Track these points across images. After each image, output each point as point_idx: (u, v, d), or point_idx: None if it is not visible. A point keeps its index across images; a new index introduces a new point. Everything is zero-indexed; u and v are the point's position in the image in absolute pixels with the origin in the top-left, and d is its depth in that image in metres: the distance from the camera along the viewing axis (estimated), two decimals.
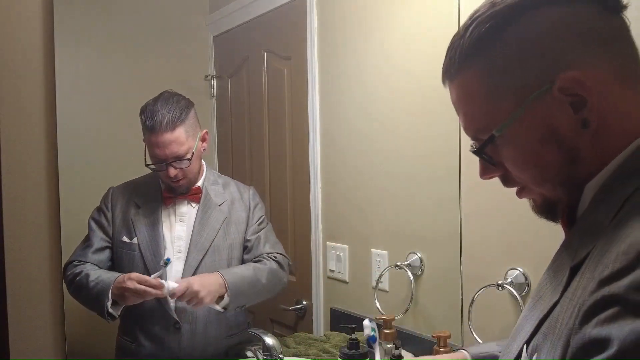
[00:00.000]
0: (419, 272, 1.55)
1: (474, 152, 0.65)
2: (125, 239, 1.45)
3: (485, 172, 0.67)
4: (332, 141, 1.80)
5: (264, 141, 2.01)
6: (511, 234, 1.32)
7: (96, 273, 1.41)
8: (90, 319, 1.56)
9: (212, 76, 1.99)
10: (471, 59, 0.62)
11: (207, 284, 1.38)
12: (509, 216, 1.31)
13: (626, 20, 0.61)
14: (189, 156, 1.43)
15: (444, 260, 1.51)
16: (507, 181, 0.67)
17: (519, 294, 1.29)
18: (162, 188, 1.50)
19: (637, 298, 0.45)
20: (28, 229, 1.42)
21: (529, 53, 0.59)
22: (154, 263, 1.43)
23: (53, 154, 1.43)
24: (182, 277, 1.44)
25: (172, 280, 1.39)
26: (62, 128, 1.44)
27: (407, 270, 1.55)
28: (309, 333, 1.71)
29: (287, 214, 1.90)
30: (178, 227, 1.49)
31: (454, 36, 0.65)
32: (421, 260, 1.55)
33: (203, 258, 1.47)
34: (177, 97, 1.46)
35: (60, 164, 1.43)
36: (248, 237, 1.56)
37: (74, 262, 1.44)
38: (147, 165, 1.43)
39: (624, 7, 0.60)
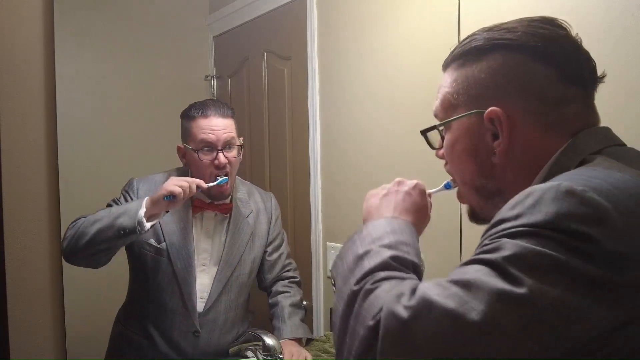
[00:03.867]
0: None
1: (421, 131, 0.81)
2: (153, 241, 1.41)
3: (432, 148, 0.82)
4: (332, 141, 1.80)
5: (264, 141, 2.01)
6: None
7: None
8: (91, 318, 1.57)
9: (212, 76, 1.99)
10: (451, 65, 0.76)
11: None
12: None
13: (591, 93, 0.70)
14: (239, 143, 1.44)
15: (444, 260, 1.51)
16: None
17: None
18: (192, 196, 1.44)
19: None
20: (28, 229, 1.42)
21: (482, 81, 0.71)
22: (185, 273, 1.41)
23: (53, 154, 1.43)
24: (210, 291, 1.44)
25: (197, 292, 1.42)
26: (63, 128, 1.44)
27: None
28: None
29: (287, 214, 1.90)
30: (203, 239, 1.47)
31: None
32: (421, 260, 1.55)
33: (232, 273, 1.48)
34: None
35: (60, 164, 1.44)
36: (269, 257, 1.57)
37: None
38: (196, 152, 1.38)
39: (587, 81, 0.69)
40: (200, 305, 1.44)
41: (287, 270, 1.60)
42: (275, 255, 1.58)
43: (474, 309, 0.50)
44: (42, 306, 1.46)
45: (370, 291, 0.57)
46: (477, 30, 0.74)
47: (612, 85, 1.06)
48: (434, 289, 0.53)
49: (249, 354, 1.40)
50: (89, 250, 1.29)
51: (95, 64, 1.68)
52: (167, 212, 1.38)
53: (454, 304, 0.51)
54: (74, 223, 1.33)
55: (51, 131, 1.43)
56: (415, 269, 0.65)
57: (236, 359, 1.46)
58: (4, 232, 1.37)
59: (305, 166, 1.85)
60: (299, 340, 1.47)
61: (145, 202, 1.30)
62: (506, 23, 0.72)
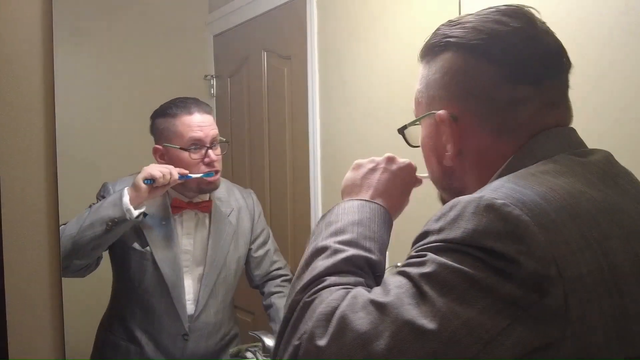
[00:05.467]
0: None
1: (397, 129, 0.80)
2: (137, 246, 1.38)
3: (411, 146, 0.81)
4: (332, 141, 1.79)
5: (264, 141, 2.00)
6: None
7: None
8: (90, 318, 1.56)
9: (212, 76, 1.98)
10: (422, 61, 0.73)
11: None
12: None
13: (552, 89, 0.65)
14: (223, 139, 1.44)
15: None
16: None
17: None
18: (170, 196, 1.43)
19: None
20: (27, 228, 1.41)
21: (436, 81, 0.69)
22: (173, 277, 1.39)
23: (52, 155, 1.42)
24: (199, 296, 1.42)
25: (186, 296, 1.40)
26: (61, 128, 1.43)
27: None
28: None
29: (287, 214, 1.90)
30: (185, 241, 1.45)
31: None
32: None
33: (218, 275, 1.46)
34: None
35: (59, 165, 1.43)
36: (255, 253, 1.55)
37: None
38: (186, 149, 1.36)
39: (543, 77, 0.64)
40: (189, 308, 1.43)
41: (278, 268, 1.58)
42: (261, 252, 1.56)
43: (383, 334, 0.49)
44: (41, 306, 1.45)
45: (307, 305, 0.58)
46: (442, 24, 0.71)
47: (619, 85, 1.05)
48: (355, 306, 0.53)
49: (249, 354, 1.40)
50: (76, 254, 1.28)
51: (93, 63, 1.67)
52: (146, 215, 1.36)
53: (366, 327, 0.50)
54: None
55: (50, 131, 1.42)
56: (372, 266, 0.65)
57: (236, 359, 1.45)
58: (2, 233, 1.37)
59: (305, 166, 1.84)
60: None
61: (126, 190, 1.29)
62: (466, 16, 0.69)
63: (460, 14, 1.39)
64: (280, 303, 1.52)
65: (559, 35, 0.67)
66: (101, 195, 1.40)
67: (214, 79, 1.98)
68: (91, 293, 1.56)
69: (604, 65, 1.06)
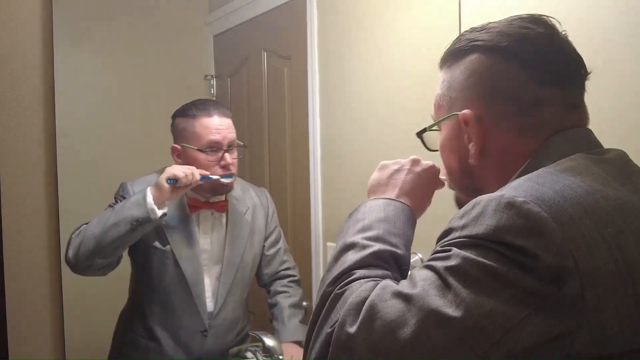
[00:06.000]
0: None
1: (416, 133, 0.81)
2: (158, 244, 1.39)
3: (429, 150, 0.82)
4: (332, 141, 1.79)
5: (263, 141, 2.00)
6: None
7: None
8: (90, 318, 1.56)
9: (212, 76, 1.98)
10: (443, 66, 0.75)
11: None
12: None
13: (573, 92, 0.67)
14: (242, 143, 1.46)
15: None
16: None
17: None
18: (186, 196, 1.44)
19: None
20: (27, 228, 1.42)
21: (461, 83, 0.71)
22: (195, 275, 1.41)
23: (52, 155, 1.42)
24: (218, 294, 1.45)
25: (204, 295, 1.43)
26: (61, 128, 1.43)
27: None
28: None
29: (287, 214, 1.90)
30: (202, 240, 1.46)
31: None
32: (422, 260, 1.55)
33: (236, 273, 1.47)
34: None
35: (59, 165, 1.43)
36: (267, 251, 1.57)
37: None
38: (203, 151, 1.38)
39: (566, 81, 0.67)
40: (209, 305, 1.45)
41: (287, 268, 1.60)
42: (272, 250, 1.57)
43: (410, 322, 0.53)
44: (41, 306, 1.45)
45: (338, 296, 0.62)
46: (466, 30, 0.74)
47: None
48: (384, 296, 0.57)
49: (249, 354, 1.40)
50: (99, 253, 1.29)
51: (93, 63, 1.67)
52: (165, 214, 1.36)
53: (394, 315, 0.54)
54: (78, 231, 1.32)
55: (50, 131, 1.42)
56: (398, 260, 0.69)
57: (236, 359, 1.45)
58: (2, 233, 1.37)
59: (305, 166, 1.84)
60: (299, 342, 1.47)
61: (149, 190, 1.30)
62: (491, 22, 0.71)
63: (460, 14, 1.39)
64: (284, 303, 1.53)
65: None
66: (120, 195, 1.41)
67: (214, 79, 1.98)
68: (91, 293, 1.56)
69: (604, 65, 1.06)
